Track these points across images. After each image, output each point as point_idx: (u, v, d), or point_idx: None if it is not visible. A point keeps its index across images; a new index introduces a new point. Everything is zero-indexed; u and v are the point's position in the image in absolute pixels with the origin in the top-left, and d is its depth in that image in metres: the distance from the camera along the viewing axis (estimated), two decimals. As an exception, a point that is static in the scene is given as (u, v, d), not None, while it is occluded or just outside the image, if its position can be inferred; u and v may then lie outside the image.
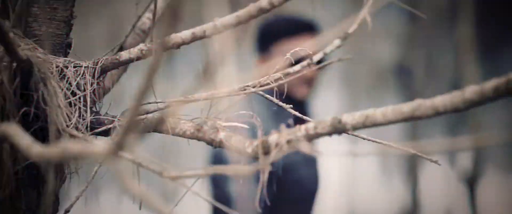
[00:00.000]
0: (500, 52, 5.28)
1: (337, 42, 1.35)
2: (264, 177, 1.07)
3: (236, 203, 2.76)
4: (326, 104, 5.67)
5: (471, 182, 4.44)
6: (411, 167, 5.48)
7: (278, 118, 2.81)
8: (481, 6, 4.75)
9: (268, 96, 1.23)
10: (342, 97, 6.05)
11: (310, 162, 2.94)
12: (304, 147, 1.00)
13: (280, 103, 1.22)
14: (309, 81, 2.95)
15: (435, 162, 1.11)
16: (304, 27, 2.92)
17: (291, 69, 1.28)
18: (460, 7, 4.79)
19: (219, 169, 0.99)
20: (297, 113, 1.22)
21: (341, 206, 5.77)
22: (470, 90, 1.02)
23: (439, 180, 5.39)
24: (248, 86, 1.22)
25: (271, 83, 1.19)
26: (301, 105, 2.98)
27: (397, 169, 5.68)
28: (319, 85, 3.20)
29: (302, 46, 2.90)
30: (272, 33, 2.90)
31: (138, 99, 0.77)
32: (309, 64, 1.29)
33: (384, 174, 5.77)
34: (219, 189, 2.80)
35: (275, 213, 2.85)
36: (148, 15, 1.35)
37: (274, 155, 1.09)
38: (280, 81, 1.20)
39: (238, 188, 2.76)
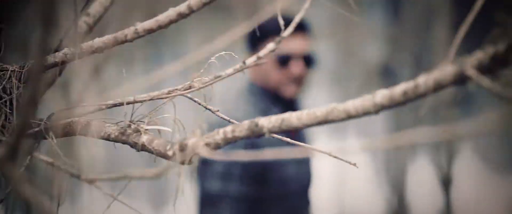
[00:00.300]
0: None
1: (271, 45, 1.37)
2: (181, 180, 1.08)
3: (221, 202, 2.77)
4: (316, 104, 5.68)
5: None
6: (400, 167, 5.49)
7: (265, 116, 2.81)
8: (465, 6, 4.75)
9: (196, 99, 1.25)
10: (332, 97, 6.06)
11: (302, 160, 2.95)
12: (205, 152, 1.01)
13: (208, 106, 1.23)
14: (298, 81, 2.96)
15: (354, 164, 1.12)
16: (295, 27, 2.93)
17: (223, 73, 1.30)
18: (444, 8, 4.80)
19: (132, 172, 1.00)
20: (224, 116, 1.24)
21: (331, 206, 5.78)
22: (380, 95, 1.03)
23: (428, 180, 5.40)
24: (177, 89, 1.23)
25: (197, 86, 1.20)
26: (290, 104, 3.00)
27: (386, 169, 5.69)
28: (309, 84, 3.22)
29: (292, 44, 2.93)
30: (263, 32, 2.92)
31: (26, 107, 0.78)
32: (242, 68, 1.30)
33: (374, 174, 5.78)
34: (203, 187, 2.81)
35: (265, 210, 2.86)
36: (85, 18, 1.36)
37: (191, 158, 1.10)
38: (208, 84, 1.21)
39: (223, 187, 2.77)
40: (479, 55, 0.96)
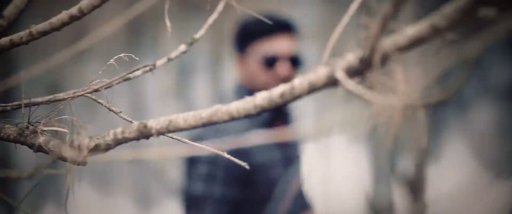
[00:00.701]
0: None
1: (182, 47, 1.38)
2: (69, 180, 1.10)
3: (205, 204, 2.78)
4: (303, 105, 5.69)
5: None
6: (387, 166, 5.50)
7: (256, 118, 2.82)
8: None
9: (100, 101, 1.26)
10: (319, 97, 6.08)
11: (291, 160, 2.94)
12: (94, 153, 1.03)
13: (112, 108, 1.25)
14: (286, 82, 2.96)
15: (244, 165, 1.13)
16: (281, 27, 2.94)
17: (131, 75, 1.31)
18: (427, 8, 4.81)
19: (9, 171, 1.02)
20: (127, 118, 1.25)
21: (316, 204, 5.79)
22: (260, 97, 1.05)
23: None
24: (79, 90, 1.25)
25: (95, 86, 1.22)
26: (278, 106, 2.99)
27: (373, 167, 5.70)
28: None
29: (279, 45, 2.94)
30: (250, 32, 2.92)
31: None
32: (150, 69, 1.32)
33: (359, 173, 5.79)
34: (188, 189, 2.82)
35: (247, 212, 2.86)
36: (-3, 21, 1.38)
37: (84, 158, 1.12)
38: (108, 85, 1.23)
39: (207, 189, 2.78)
40: (349, 58, 0.97)
